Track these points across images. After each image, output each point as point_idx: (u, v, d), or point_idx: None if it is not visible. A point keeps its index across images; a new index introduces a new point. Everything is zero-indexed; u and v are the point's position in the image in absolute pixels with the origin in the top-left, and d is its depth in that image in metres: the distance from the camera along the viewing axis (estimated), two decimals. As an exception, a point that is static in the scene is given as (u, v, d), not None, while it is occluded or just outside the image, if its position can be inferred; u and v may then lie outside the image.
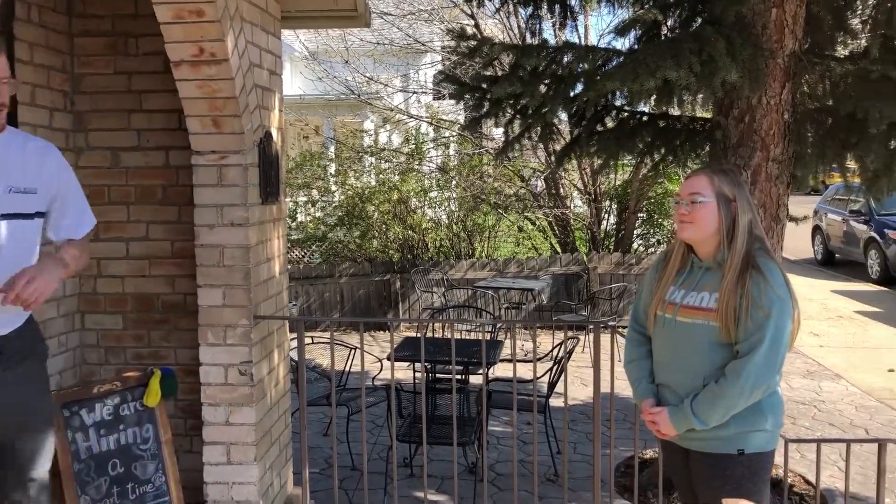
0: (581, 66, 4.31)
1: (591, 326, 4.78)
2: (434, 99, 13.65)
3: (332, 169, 12.33)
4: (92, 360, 3.88)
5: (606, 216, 11.18)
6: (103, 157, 3.83)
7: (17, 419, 2.45)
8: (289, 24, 4.39)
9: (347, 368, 5.51)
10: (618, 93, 4.47)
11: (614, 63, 4.21)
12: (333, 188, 12.00)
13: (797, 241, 13.18)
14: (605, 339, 4.45)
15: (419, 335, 5.46)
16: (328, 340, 4.00)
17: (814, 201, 14.92)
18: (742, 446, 2.53)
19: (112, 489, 3.27)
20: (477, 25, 10.69)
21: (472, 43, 4.61)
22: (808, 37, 4.40)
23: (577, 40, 9.94)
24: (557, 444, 5.15)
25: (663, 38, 4.64)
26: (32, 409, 2.51)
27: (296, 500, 4.05)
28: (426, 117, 12.64)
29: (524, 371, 6.75)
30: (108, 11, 3.77)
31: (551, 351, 5.50)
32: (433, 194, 11.65)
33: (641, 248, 11.18)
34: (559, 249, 11.03)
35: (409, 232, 10.94)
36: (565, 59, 4.39)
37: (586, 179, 10.83)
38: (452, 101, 10.97)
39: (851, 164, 4.71)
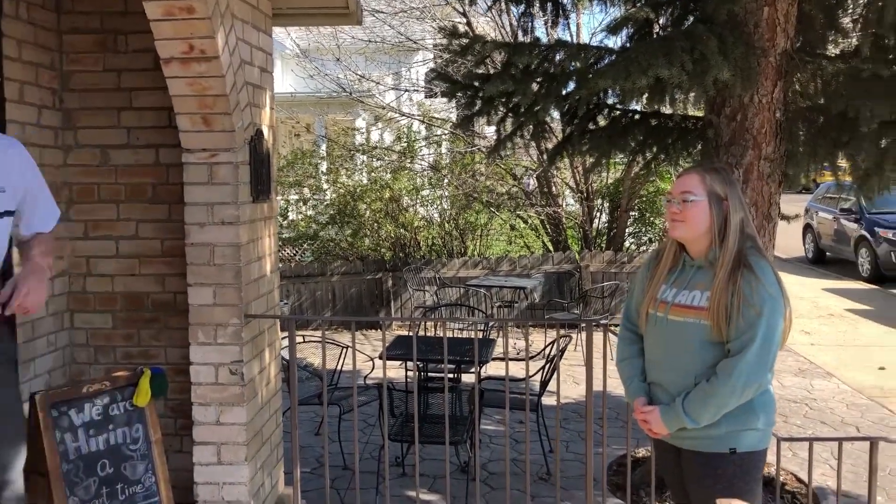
0: (573, 64, 4.31)
1: (584, 325, 4.78)
2: (426, 97, 13.63)
3: (324, 167, 12.29)
4: (81, 360, 3.85)
5: (598, 214, 11.19)
6: (92, 154, 3.80)
7: None
8: (280, 21, 4.37)
9: (339, 367, 5.50)
10: (610, 91, 4.47)
11: (606, 61, 4.21)
12: (325, 186, 11.96)
13: (788, 240, 13.22)
14: (598, 337, 4.43)
15: (411, 334, 5.44)
16: (320, 339, 3.98)
17: (805, 200, 14.97)
18: (734, 445, 2.53)
19: (101, 490, 3.24)
20: (469, 23, 10.68)
21: (464, 41, 4.60)
22: (799, 35, 4.41)
23: (569, 39, 9.94)
24: (550, 443, 5.14)
25: (655, 36, 4.64)
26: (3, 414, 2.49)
27: (287, 499, 4.03)
28: (418, 115, 12.62)
29: (516, 369, 6.74)
30: (96, 8, 3.74)
31: (543, 349, 5.49)
32: (425, 192, 11.63)
33: (633, 247, 11.20)
34: (551, 248, 11.03)
35: (401, 230, 10.92)
36: (557, 58, 4.38)
37: (578, 178, 10.83)
38: (444, 100, 10.93)
39: (843, 162, 4.73)
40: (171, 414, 3.85)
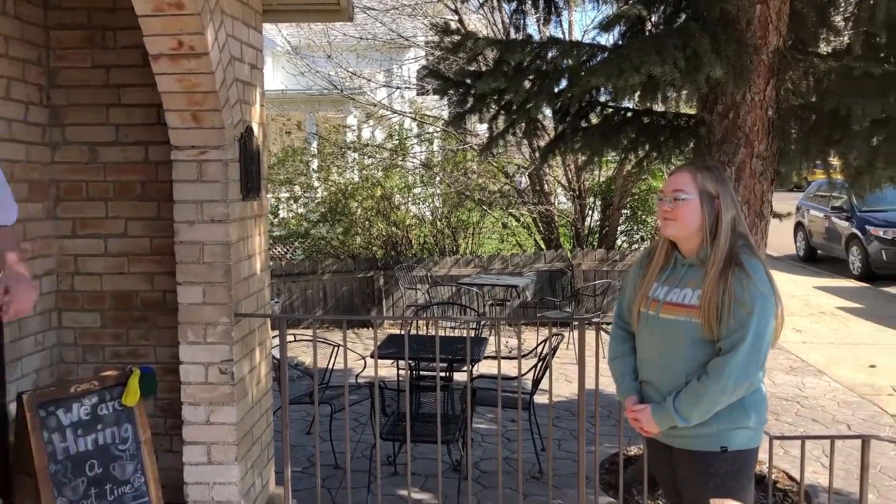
0: (565, 61, 4.29)
1: (576, 323, 4.78)
2: (418, 94, 13.60)
3: (315, 165, 12.25)
4: (69, 359, 3.82)
5: (590, 213, 11.20)
6: (80, 152, 3.76)
7: None
8: (270, 17, 4.34)
9: (330, 366, 5.47)
10: (602, 89, 4.45)
11: (599, 59, 4.19)
12: (316, 184, 11.93)
13: (780, 238, 13.26)
14: (590, 335, 4.43)
15: (403, 332, 5.42)
16: (311, 338, 3.96)
17: (796, 198, 15.02)
18: (725, 443, 2.52)
19: (90, 490, 3.21)
20: (461, 21, 10.65)
21: (456, 38, 4.58)
22: (791, 33, 4.40)
23: (561, 36, 9.93)
24: (542, 442, 5.13)
25: (648, 34, 4.63)
26: None
27: (278, 499, 4.01)
28: (410, 113, 12.59)
29: (509, 368, 6.73)
30: (84, 4, 3.70)
31: (536, 348, 5.48)
32: (417, 190, 11.61)
33: (625, 245, 11.20)
34: (543, 246, 11.03)
35: (393, 228, 10.89)
36: (550, 55, 4.36)
37: (570, 176, 10.83)
38: (436, 97, 10.90)
39: (835, 160, 4.73)
40: (161, 413, 3.82)
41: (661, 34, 4.14)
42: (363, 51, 12.85)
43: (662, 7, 4.68)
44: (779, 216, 4.92)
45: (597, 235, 11.01)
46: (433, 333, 6.04)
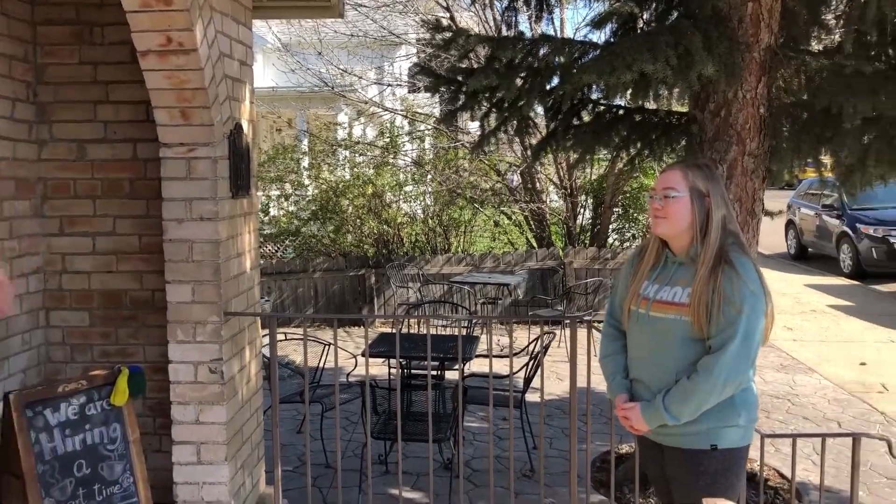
0: (557, 58, 4.28)
1: (567, 321, 4.77)
2: (409, 92, 13.56)
3: (306, 162, 12.21)
4: (57, 358, 3.79)
5: (582, 211, 11.20)
6: (68, 149, 3.73)
7: None
8: (260, 13, 4.31)
9: (321, 365, 5.45)
10: (594, 86, 4.44)
11: (591, 56, 4.18)
12: (307, 182, 11.89)
13: (771, 236, 13.30)
14: (581, 333, 4.43)
15: (394, 331, 5.41)
16: (301, 336, 3.93)
17: (787, 196, 15.06)
18: (715, 441, 2.52)
19: (78, 491, 3.18)
20: (452, 17, 10.64)
21: (448, 34, 4.56)
22: (783, 31, 4.40)
23: (553, 34, 9.92)
24: (533, 440, 5.13)
25: (640, 31, 4.62)
26: None
27: (268, 498, 3.99)
28: (401, 110, 12.56)
29: (500, 367, 6.72)
30: (72, -1, 3.67)
31: (527, 346, 5.47)
32: (408, 188, 11.59)
33: (617, 243, 11.21)
34: (535, 244, 11.02)
35: (384, 226, 10.87)
36: (541, 52, 4.35)
37: (562, 174, 10.83)
38: (428, 94, 10.87)
39: (826, 158, 4.73)
40: (150, 413, 3.79)
41: (653, 32, 4.14)
42: (354, 48, 12.80)
43: (654, 4, 4.67)
44: (770, 214, 4.92)
45: (588, 233, 11.01)
46: (425, 332, 6.02)
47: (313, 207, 11.33)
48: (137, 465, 3.38)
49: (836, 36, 4.70)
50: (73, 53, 3.69)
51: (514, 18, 5.10)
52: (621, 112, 4.86)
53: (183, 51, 3.13)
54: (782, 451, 5.08)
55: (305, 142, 13.23)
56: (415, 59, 12.60)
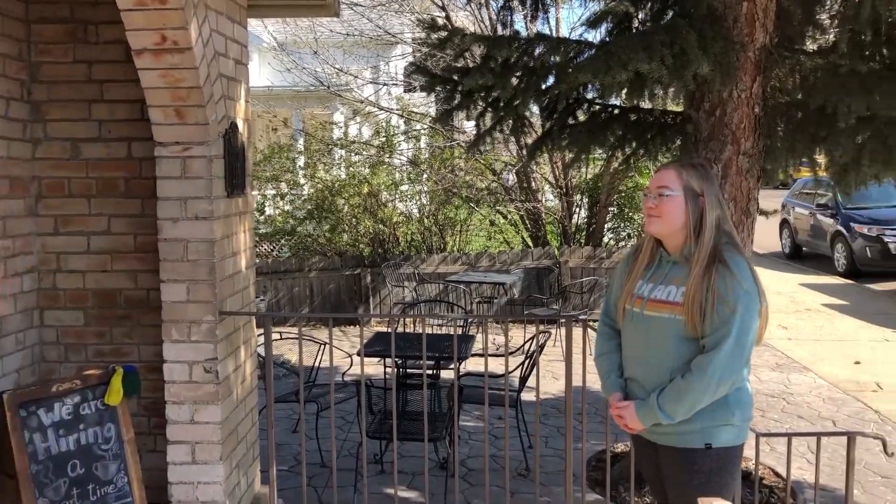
0: (553, 58, 4.28)
1: (563, 320, 4.77)
2: (405, 91, 13.54)
3: (302, 162, 12.20)
4: (51, 358, 3.77)
5: (577, 210, 11.20)
6: (62, 148, 3.71)
7: None
8: (256, 12, 4.30)
9: (317, 364, 5.44)
10: (589, 85, 4.44)
11: (586, 55, 4.18)
12: (302, 181, 11.87)
13: (765, 235, 13.31)
14: (577, 332, 4.43)
15: (390, 330, 5.40)
16: (297, 336, 3.93)
17: (781, 195, 15.10)
18: (709, 440, 2.52)
19: (72, 491, 3.17)
20: (448, 17, 10.63)
21: (443, 34, 4.56)
22: (778, 30, 4.41)
23: (548, 33, 9.93)
24: (529, 439, 5.13)
25: (635, 30, 4.63)
26: None
27: (263, 498, 3.98)
28: (397, 110, 12.55)
29: (496, 366, 6.72)
30: (66, -3, 3.65)
31: (523, 345, 5.47)
32: (404, 188, 11.58)
33: (612, 242, 11.22)
34: (531, 243, 11.03)
35: (380, 226, 10.86)
36: (537, 51, 4.35)
37: (558, 173, 10.84)
38: (423, 94, 10.86)
39: (821, 158, 4.74)
40: (145, 413, 3.78)
41: (649, 31, 4.14)
42: (350, 47, 12.79)
43: (650, 4, 4.67)
44: (765, 213, 4.93)
45: (584, 233, 11.02)
46: (420, 331, 6.02)
47: (309, 207, 11.32)
48: (132, 464, 3.37)
49: (831, 35, 4.71)
50: (67, 52, 3.67)
51: (509, 18, 5.10)
52: (616, 111, 4.86)
53: (178, 49, 3.12)
54: (777, 449, 5.09)
55: (301, 141, 13.21)
56: (411, 59, 12.60)
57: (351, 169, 11.52)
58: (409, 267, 9.67)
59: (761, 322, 2.52)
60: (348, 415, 5.85)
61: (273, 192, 12.03)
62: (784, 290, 11.14)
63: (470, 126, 11.76)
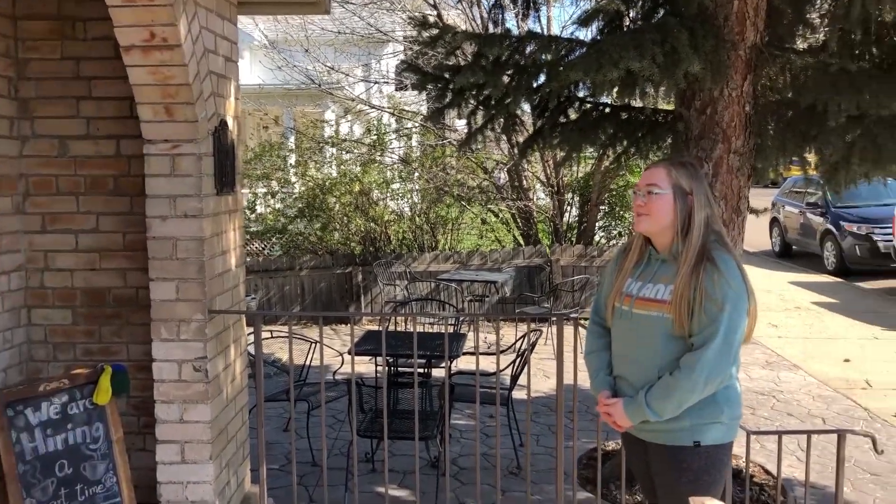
0: (544, 56, 4.27)
1: (554, 319, 4.77)
2: (396, 89, 13.53)
3: (293, 160, 12.16)
4: (39, 357, 3.75)
5: (569, 208, 11.21)
6: (50, 145, 3.69)
7: None
8: (246, 9, 4.28)
9: (307, 363, 5.43)
10: (581, 84, 4.44)
11: (577, 54, 4.18)
12: (293, 179, 11.84)
13: (755, 234, 13.36)
14: (568, 331, 4.43)
15: (381, 328, 5.39)
16: (287, 334, 3.91)
17: (772, 193, 15.15)
18: (698, 438, 2.53)
19: (59, 491, 3.15)
20: (439, 15, 10.61)
21: (434, 31, 4.55)
22: (768, 29, 4.42)
23: (539, 32, 9.93)
24: (520, 437, 5.13)
25: (626, 29, 4.63)
26: None
27: (253, 497, 3.97)
28: (388, 108, 12.53)
29: (487, 364, 6.72)
30: (54, -7, 3.62)
31: (514, 343, 5.47)
32: (395, 186, 11.56)
33: (603, 241, 11.24)
34: (522, 242, 11.03)
35: (371, 224, 10.84)
36: (528, 50, 4.34)
37: (549, 172, 10.84)
38: (415, 92, 10.86)
39: (811, 156, 4.75)
40: (134, 412, 3.76)
41: (640, 29, 4.14)
42: (341, 45, 12.77)
43: (641, 2, 4.67)
44: (755, 212, 4.94)
45: (575, 231, 11.03)
46: (411, 329, 6.01)
47: (300, 205, 11.29)
48: (120, 464, 3.36)
49: (821, 34, 4.72)
50: (55, 49, 3.64)
51: (500, 16, 5.09)
52: (608, 110, 4.86)
53: (167, 46, 3.10)
54: (767, 447, 5.11)
55: (292, 139, 13.18)
56: (402, 57, 12.57)
57: (342, 167, 11.50)
58: (400, 265, 9.66)
59: (750, 320, 2.52)
60: (339, 413, 5.83)
61: (264, 190, 11.99)
62: (774, 288, 11.19)
63: (461, 124, 11.77)
